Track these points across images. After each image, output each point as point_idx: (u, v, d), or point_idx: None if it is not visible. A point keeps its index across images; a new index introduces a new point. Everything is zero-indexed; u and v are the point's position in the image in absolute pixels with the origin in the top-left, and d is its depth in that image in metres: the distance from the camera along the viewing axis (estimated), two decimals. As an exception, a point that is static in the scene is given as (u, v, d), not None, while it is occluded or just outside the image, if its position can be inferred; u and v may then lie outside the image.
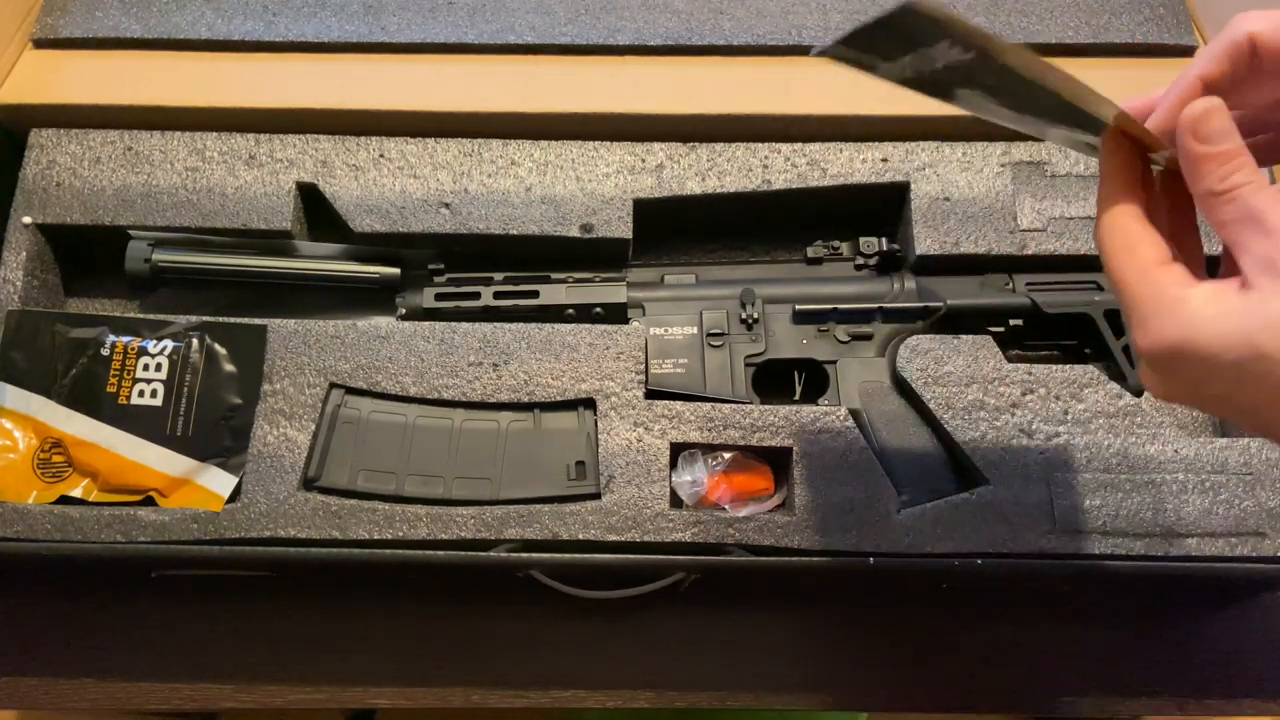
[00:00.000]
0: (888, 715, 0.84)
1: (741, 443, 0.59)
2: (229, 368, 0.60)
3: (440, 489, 0.58)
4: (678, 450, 0.60)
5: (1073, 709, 0.61)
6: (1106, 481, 0.58)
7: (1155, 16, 0.71)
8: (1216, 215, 0.35)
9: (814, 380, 0.64)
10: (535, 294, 0.64)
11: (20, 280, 0.63)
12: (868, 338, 0.63)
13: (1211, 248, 0.40)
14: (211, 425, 0.59)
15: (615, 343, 0.62)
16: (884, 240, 0.66)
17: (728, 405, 0.60)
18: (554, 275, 0.65)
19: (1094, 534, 0.57)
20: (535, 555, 0.56)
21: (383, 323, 0.63)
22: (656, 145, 0.67)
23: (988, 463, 0.58)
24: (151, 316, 0.62)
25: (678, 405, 0.60)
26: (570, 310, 0.64)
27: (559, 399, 0.60)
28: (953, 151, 0.67)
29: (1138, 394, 0.60)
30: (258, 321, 0.62)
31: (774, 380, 0.64)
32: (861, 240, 0.66)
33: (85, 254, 0.67)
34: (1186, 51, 0.70)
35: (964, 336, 0.62)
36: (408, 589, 0.61)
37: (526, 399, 0.60)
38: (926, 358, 0.61)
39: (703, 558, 0.57)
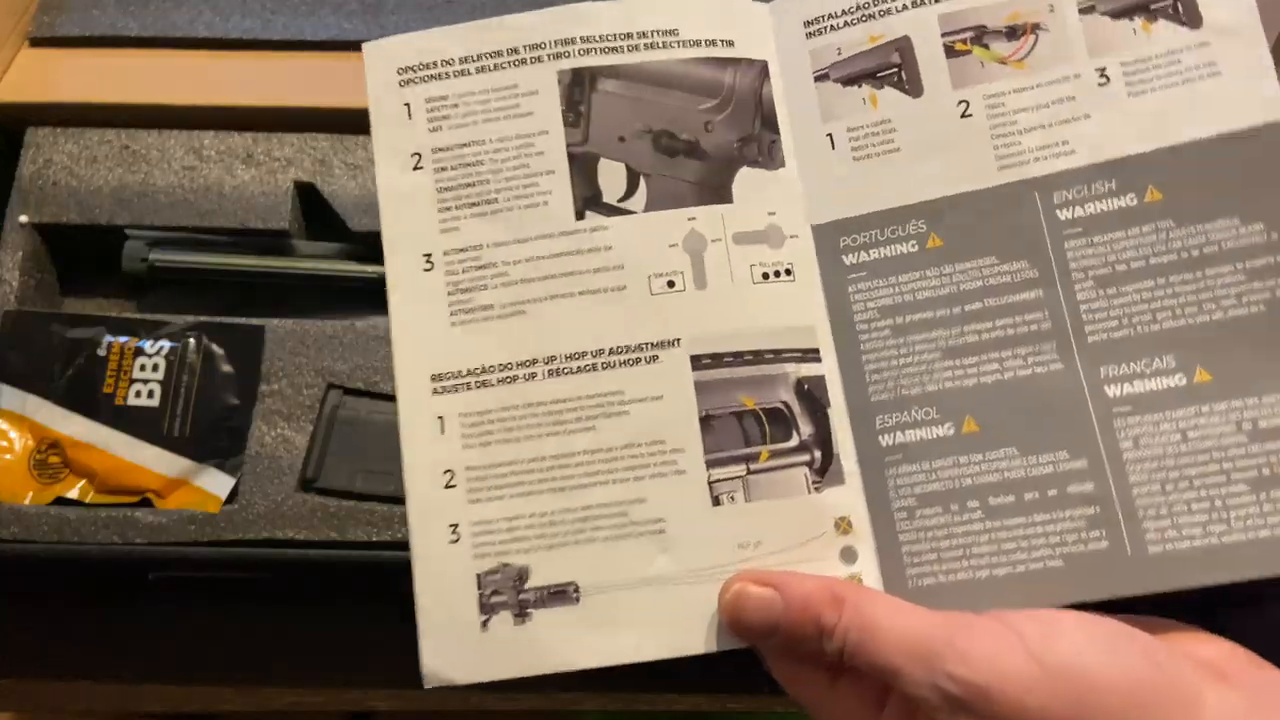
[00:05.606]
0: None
1: (742, 443, 0.59)
2: (226, 368, 0.60)
3: (439, 490, 0.58)
4: (678, 451, 0.59)
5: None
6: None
7: (1159, 13, 0.70)
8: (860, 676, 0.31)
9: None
10: (534, 293, 0.64)
11: (16, 280, 0.63)
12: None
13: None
14: (209, 426, 0.59)
15: (615, 342, 0.61)
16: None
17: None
18: (553, 274, 0.65)
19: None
20: (534, 557, 0.56)
21: (381, 323, 0.62)
22: (656, 143, 0.67)
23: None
24: (148, 317, 0.62)
25: (678, 405, 0.59)
26: (570, 310, 0.64)
27: (558, 399, 0.60)
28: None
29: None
30: (255, 322, 0.61)
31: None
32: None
33: (82, 253, 0.66)
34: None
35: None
36: (406, 590, 0.61)
37: (526, 399, 0.60)
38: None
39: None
